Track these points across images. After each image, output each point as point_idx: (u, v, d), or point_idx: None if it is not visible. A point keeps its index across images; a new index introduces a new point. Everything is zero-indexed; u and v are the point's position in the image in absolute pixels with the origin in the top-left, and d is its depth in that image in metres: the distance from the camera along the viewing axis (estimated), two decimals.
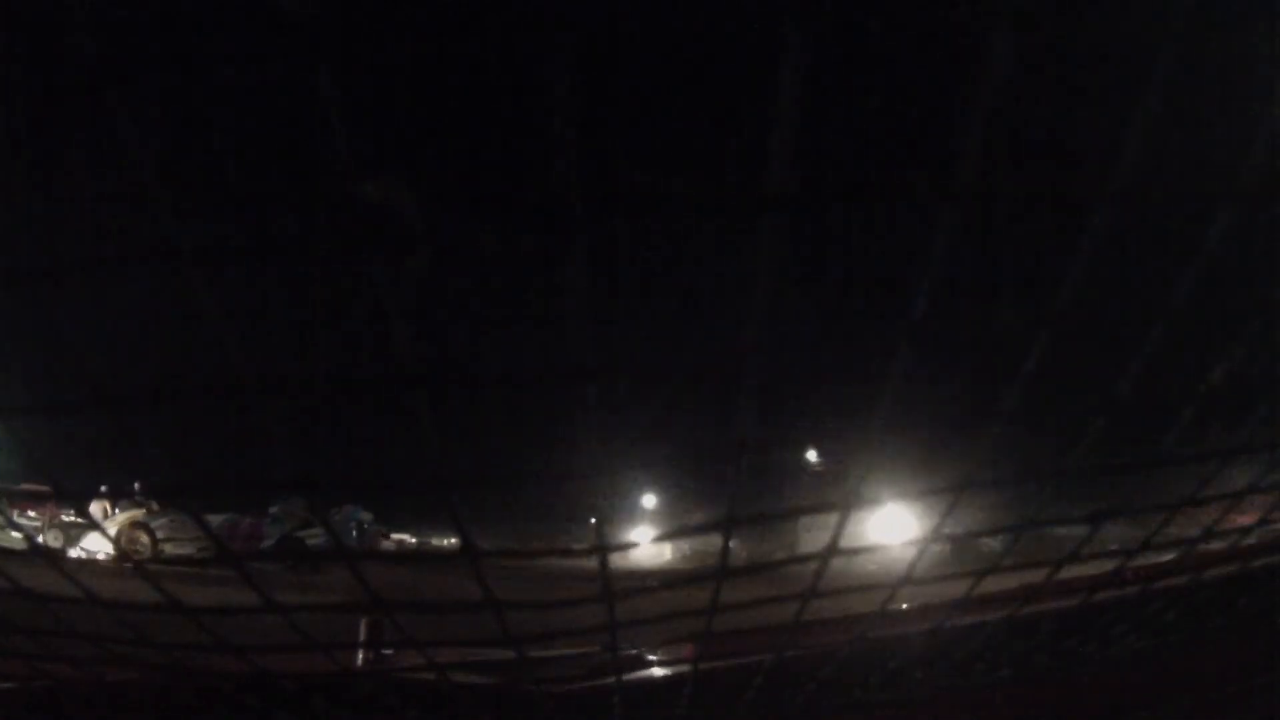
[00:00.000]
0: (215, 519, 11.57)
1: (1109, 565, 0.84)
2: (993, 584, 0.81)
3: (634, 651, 1.22)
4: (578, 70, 0.31)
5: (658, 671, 1.13)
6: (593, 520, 0.54)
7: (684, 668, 1.02)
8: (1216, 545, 0.88)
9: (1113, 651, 1.03)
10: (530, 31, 0.30)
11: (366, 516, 13.92)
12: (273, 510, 12.63)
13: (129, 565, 0.63)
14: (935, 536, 0.68)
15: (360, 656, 1.27)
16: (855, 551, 0.69)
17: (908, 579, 0.69)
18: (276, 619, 0.64)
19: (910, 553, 0.71)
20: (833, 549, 0.60)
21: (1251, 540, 0.88)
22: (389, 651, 1.26)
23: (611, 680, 0.91)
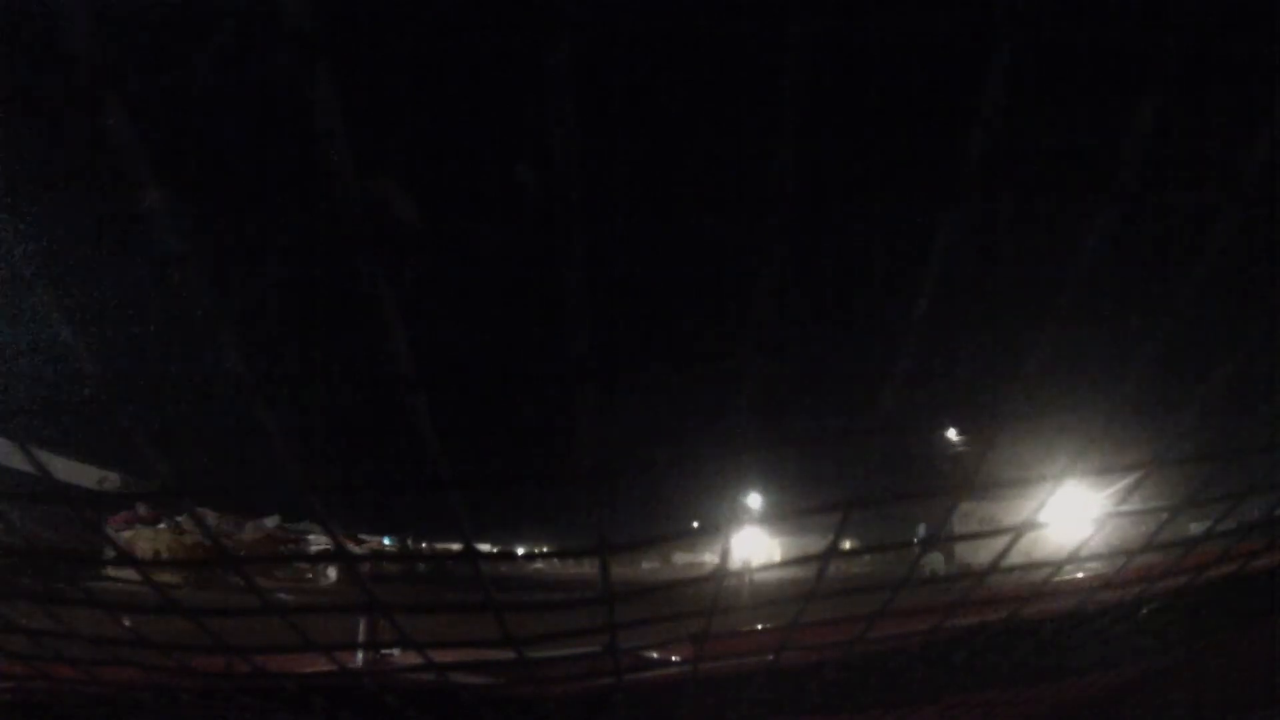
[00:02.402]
0: None
1: (1109, 565, 0.84)
2: (994, 583, 0.81)
3: (634, 651, 1.22)
4: (577, 68, 0.31)
5: (658, 671, 1.13)
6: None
7: (684, 668, 1.02)
8: (1216, 545, 0.88)
9: (1113, 651, 1.03)
10: (530, 30, 0.30)
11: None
12: None
13: None
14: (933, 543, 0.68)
15: (360, 656, 1.27)
16: (855, 552, 0.69)
17: (909, 579, 0.69)
18: (275, 619, 0.64)
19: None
20: (833, 549, 0.60)
21: (1251, 540, 0.87)
22: (389, 651, 1.26)
23: (611, 680, 0.91)
